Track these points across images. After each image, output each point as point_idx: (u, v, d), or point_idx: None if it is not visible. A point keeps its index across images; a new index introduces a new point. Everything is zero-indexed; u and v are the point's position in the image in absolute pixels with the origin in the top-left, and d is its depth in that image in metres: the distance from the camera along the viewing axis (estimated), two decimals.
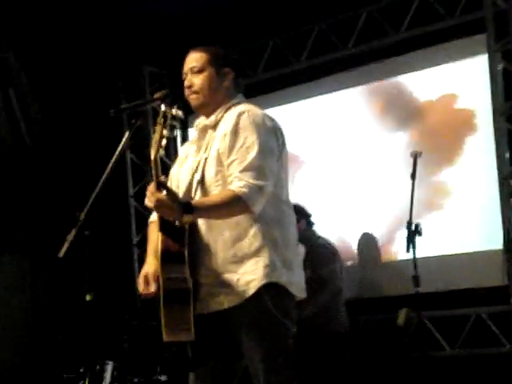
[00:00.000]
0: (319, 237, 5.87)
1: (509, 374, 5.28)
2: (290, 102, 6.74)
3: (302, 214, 5.78)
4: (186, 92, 3.15)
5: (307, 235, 5.75)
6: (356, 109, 6.44)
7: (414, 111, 6.18)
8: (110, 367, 5.42)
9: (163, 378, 5.52)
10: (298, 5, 6.20)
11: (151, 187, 2.86)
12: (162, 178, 2.89)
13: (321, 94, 6.61)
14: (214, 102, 3.13)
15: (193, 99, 3.13)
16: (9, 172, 6.24)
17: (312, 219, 5.89)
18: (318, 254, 5.66)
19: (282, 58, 6.72)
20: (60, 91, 6.65)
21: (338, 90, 6.53)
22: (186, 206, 2.83)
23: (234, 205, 2.91)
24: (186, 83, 3.14)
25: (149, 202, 2.88)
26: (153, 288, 3.00)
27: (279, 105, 6.59)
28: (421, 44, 6.07)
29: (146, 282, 3.03)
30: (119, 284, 6.47)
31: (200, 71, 3.12)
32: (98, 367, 5.36)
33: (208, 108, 3.14)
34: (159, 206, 2.82)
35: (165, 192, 2.83)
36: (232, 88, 3.17)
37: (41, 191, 6.33)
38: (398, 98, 6.26)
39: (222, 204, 2.93)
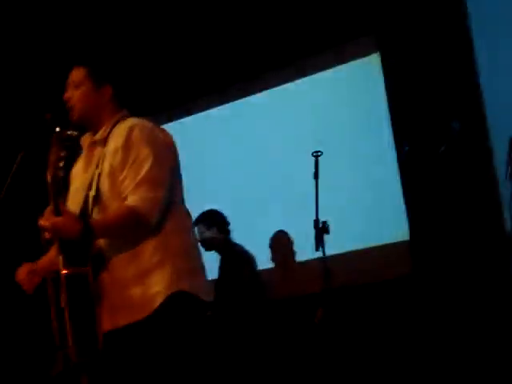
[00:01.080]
0: (234, 243, 5.93)
1: None
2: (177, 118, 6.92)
3: (215, 220, 5.84)
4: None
5: (222, 242, 5.81)
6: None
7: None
8: None
9: None
10: None
11: (48, 210, 2.87)
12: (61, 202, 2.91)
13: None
14: (91, 116, 3.13)
15: (70, 114, 3.12)
16: None
17: (226, 225, 5.94)
18: (233, 260, 5.73)
19: None
20: None
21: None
22: (84, 227, 2.83)
23: (130, 220, 2.91)
24: (64, 97, 3.14)
25: (45, 223, 2.85)
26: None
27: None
28: None
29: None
30: None
31: (78, 86, 3.13)
32: None
33: (88, 122, 3.15)
34: (56, 230, 2.83)
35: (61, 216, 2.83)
36: (111, 102, 3.16)
37: None
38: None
39: (119, 221, 2.94)
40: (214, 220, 5.84)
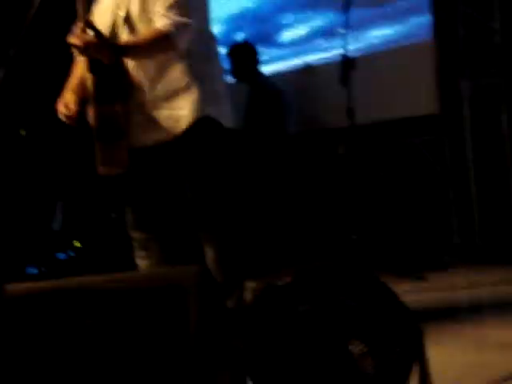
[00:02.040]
0: (264, 75, 5.95)
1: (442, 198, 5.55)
2: None
3: (246, 51, 5.84)
4: None
5: (253, 74, 5.84)
6: None
7: None
8: (60, 205, 5.57)
9: (113, 215, 5.70)
10: None
11: (78, 27, 2.85)
12: (90, 17, 2.90)
13: None
14: None
15: None
16: None
17: (256, 56, 5.93)
18: (264, 92, 5.78)
19: None
20: None
21: None
22: (114, 48, 2.85)
23: (160, 43, 2.91)
24: None
25: (76, 41, 2.84)
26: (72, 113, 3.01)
27: None
28: None
29: (67, 109, 3.03)
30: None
31: None
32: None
33: None
34: (87, 48, 2.82)
35: (92, 33, 2.83)
36: None
37: None
38: None
39: (149, 43, 2.93)
40: (245, 51, 5.84)
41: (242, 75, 5.83)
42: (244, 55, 5.81)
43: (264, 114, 5.72)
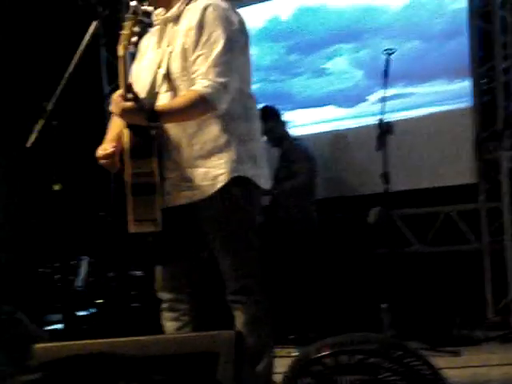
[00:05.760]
0: (293, 137, 5.91)
1: (476, 270, 5.44)
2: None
3: (272, 113, 5.80)
4: None
5: (282, 138, 5.80)
6: None
7: None
8: (85, 262, 5.51)
9: (138, 273, 5.63)
10: None
11: (118, 92, 2.86)
12: (131, 81, 2.89)
13: None
14: None
15: None
16: None
17: (282, 118, 5.91)
18: (293, 153, 5.73)
19: None
20: None
21: None
22: (151, 114, 2.84)
23: (199, 106, 2.89)
24: None
25: (114, 108, 2.88)
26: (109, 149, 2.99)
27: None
28: None
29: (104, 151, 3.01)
30: (92, 178, 6.47)
31: None
32: (73, 262, 5.46)
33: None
34: (125, 114, 2.84)
35: (131, 96, 2.82)
36: None
37: (7, 82, 6.26)
38: None
39: (187, 107, 2.91)
40: (271, 113, 5.81)
41: (270, 139, 5.77)
42: (268, 119, 5.75)
43: (294, 177, 5.66)
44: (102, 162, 3.00)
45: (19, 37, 6.45)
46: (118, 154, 2.98)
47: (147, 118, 2.83)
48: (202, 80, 2.88)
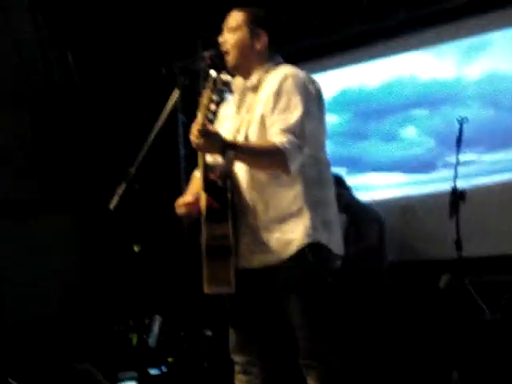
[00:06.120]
0: (361, 202, 5.94)
1: None
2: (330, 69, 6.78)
3: (338, 182, 5.84)
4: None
5: (348, 204, 5.82)
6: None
7: None
8: (158, 321, 5.60)
9: (208, 332, 5.68)
10: None
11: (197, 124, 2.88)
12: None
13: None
14: (245, 62, 3.14)
15: (226, 58, 3.12)
16: (62, 130, 6.40)
17: (345, 183, 5.95)
18: (362, 216, 5.76)
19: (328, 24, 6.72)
20: (116, 51, 6.78)
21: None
22: (227, 144, 2.88)
23: (273, 155, 2.92)
24: (220, 40, 3.16)
25: (193, 135, 2.86)
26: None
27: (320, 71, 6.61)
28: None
29: (186, 206, 3.11)
30: (168, 238, 6.59)
31: (234, 30, 3.14)
32: (147, 320, 5.55)
33: (241, 68, 3.15)
34: (202, 135, 2.82)
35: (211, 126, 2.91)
36: (265, 50, 3.16)
37: (91, 149, 6.47)
38: None
39: (263, 151, 2.96)
40: (336, 181, 5.85)
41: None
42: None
43: (363, 240, 5.68)
44: (180, 211, 3.10)
45: (106, 104, 6.70)
46: (196, 205, 3.07)
47: (222, 147, 2.86)
48: (279, 136, 2.92)
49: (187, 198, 3.16)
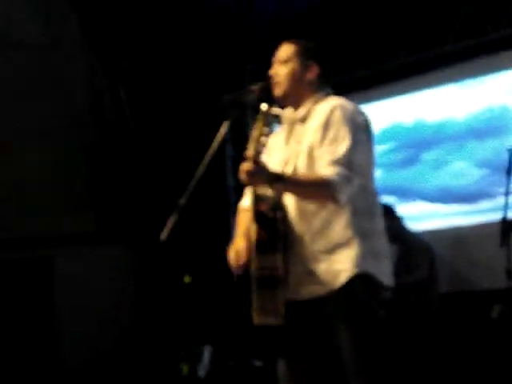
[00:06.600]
0: (412, 233, 5.91)
1: None
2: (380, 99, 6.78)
3: (388, 212, 5.82)
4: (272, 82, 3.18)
5: (399, 234, 5.79)
6: None
7: None
8: (208, 350, 5.63)
9: (258, 363, 5.69)
10: None
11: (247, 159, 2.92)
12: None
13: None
14: (296, 93, 3.16)
15: (275, 89, 3.16)
16: (113, 166, 6.52)
17: (395, 213, 5.92)
18: (412, 246, 5.73)
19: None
20: (165, 85, 6.89)
21: None
22: (275, 176, 2.91)
23: (322, 187, 2.94)
24: (271, 72, 3.20)
25: (242, 173, 2.90)
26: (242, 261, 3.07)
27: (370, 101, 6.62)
28: None
29: (237, 257, 3.10)
30: (218, 267, 6.61)
31: (285, 62, 3.17)
32: (197, 351, 5.59)
33: (291, 99, 3.18)
34: (251, 172, 2.86)
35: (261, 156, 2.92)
36: (316, 82, 3.19)
37: (143, 182, 6.57)
38: None
39: (311, 183, 2.98)
40: (386, 211, 5.83)
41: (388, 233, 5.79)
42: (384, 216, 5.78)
43: (414, 271, 5.64)
44: (232, 261, 3.11)
45: (157, 138, 6.82)
46: (246, 252, 3.08)
47: (270, 180, 2.89)
48: (328, 168, 2.94)
49: (238, 243, 3.15)
